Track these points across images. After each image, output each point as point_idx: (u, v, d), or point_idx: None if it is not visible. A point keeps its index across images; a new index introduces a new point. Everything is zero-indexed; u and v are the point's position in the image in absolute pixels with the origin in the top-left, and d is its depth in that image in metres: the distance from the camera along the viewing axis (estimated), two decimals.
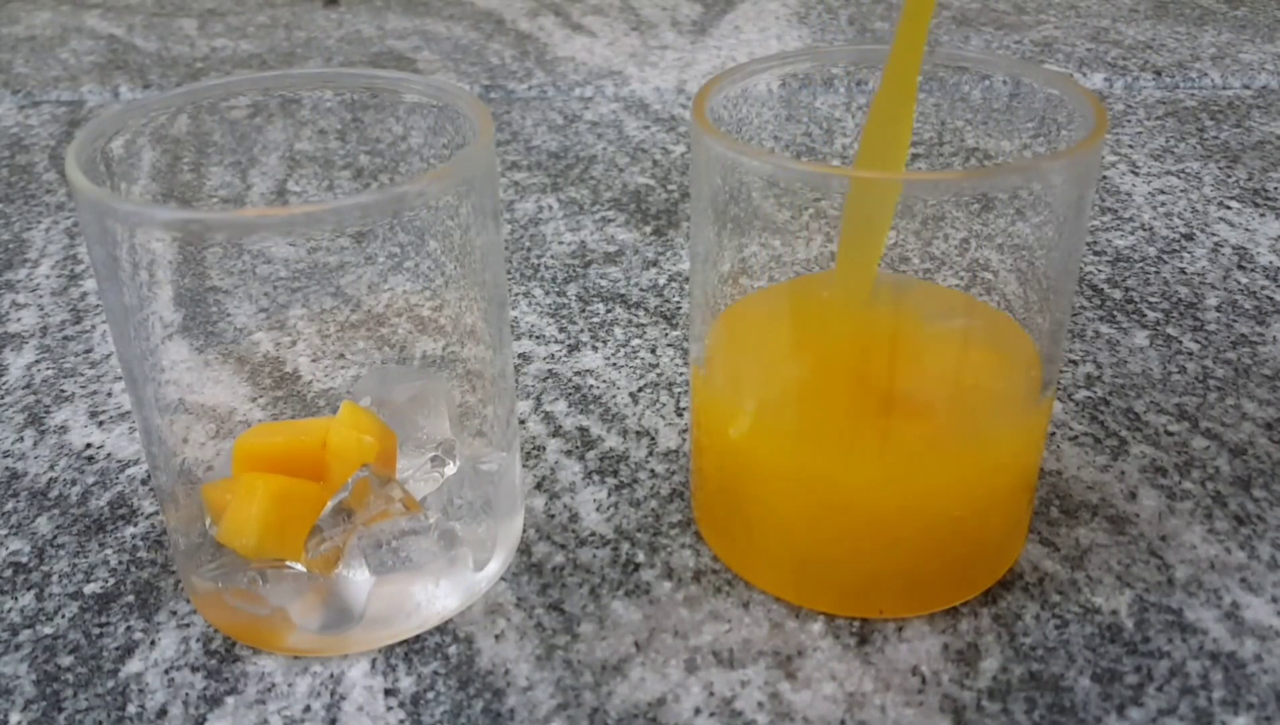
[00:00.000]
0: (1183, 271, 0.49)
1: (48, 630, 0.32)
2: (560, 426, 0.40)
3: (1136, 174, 0.59)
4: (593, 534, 0.35)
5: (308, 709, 0.29)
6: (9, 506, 0.37)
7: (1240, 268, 0.49)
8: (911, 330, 0.32)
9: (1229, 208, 0.55)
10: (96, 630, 0.32)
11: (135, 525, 0.36)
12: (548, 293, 0.48)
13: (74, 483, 0.38)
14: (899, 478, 0.30)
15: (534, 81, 0.73)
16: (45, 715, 0.29)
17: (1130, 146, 0.62)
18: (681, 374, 0.43)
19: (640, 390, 0.42)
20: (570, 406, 0.41)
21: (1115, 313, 0.46)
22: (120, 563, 0.34)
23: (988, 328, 0.33)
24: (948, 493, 0.30)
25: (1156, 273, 0.49)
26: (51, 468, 0.38)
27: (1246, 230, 0.53)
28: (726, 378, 0.32)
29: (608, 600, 0.32)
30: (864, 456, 0.30)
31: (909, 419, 0.30)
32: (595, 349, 0.44)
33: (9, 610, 0.33)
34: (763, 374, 0.32)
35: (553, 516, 0.36)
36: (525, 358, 0.44)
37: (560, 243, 0.53)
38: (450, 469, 0.33)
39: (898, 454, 0.30)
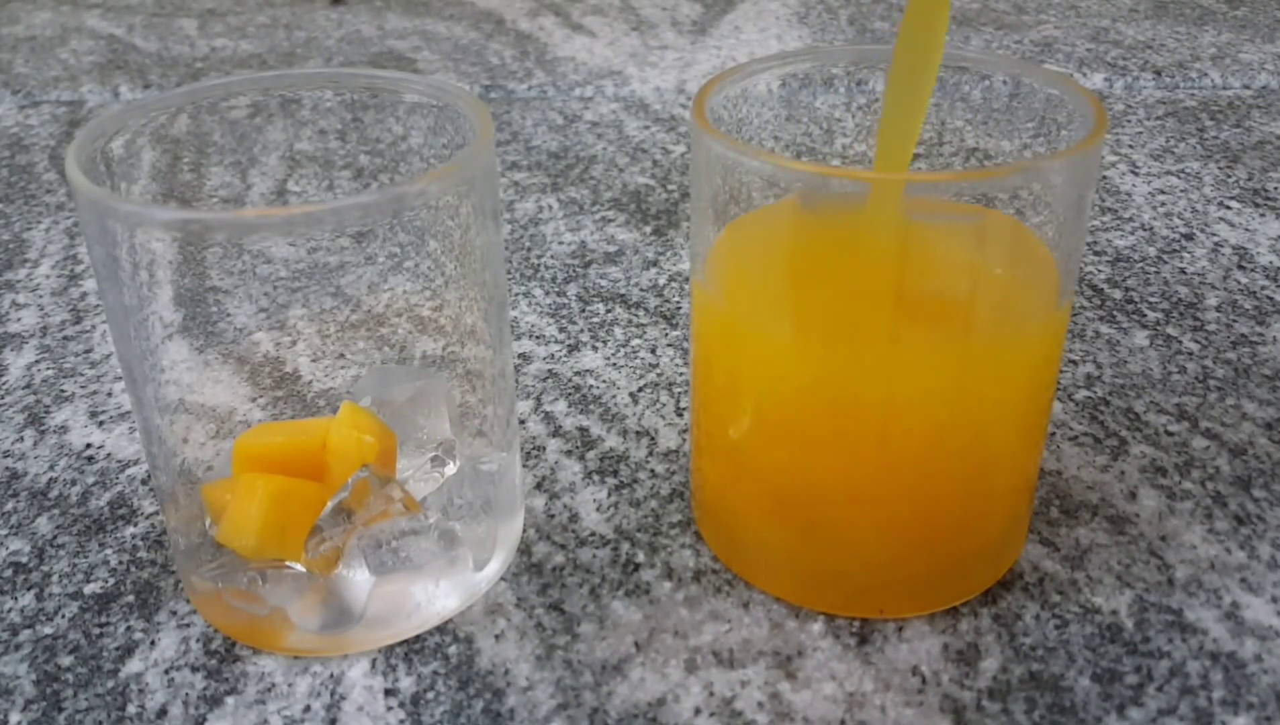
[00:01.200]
0: (1183, 271, 0.49)
1: (48, 630, 0.32)
2: (560, 426, 0.40)
3: (1136, 174, 0.59)
4: (593, 534, 0.35)
5: (308, 709, 0.29)
6: (9, 506, 0.37)
7: (1240, 268, 0.49)
8: (922, 232, 0.31)
9: (1229, 208, 0.55)
10: (96, 630, 0.32)
11: (135, 525, 0.36)
12: (548, 293, 0.48)
13: (74, 483, 0.38)
14: (909, 387, 0.28)
15: (534, 81, 0.73)
16: (45, 715, 0.29)
17: (1130, 146, 0.62)
18: (681, 374, 0.43)
19: (640, 390, 0.42)
20: (570, 406, 0.41)
21: (1115, 313, 0.46)
22: (120, 563, 0.34)
23: (1000, 233, 0.31)
24: (956, 419, 0.29)
25: (1156, 273, 0.49)
26: (51, 468, 0.38)
27: (1246, 230, 0.53)
28: (727, 289, 0.31)
29: (608, 600, 0.32)
30: (874, 363, 0.28)
31: (921, 320, 0.29)
32: (595, 349, 0.44)
33: (9, 610, 0.33)
34: (765, 282, 0.31)
35: (553, 516, 0.36)
36: (525, 358, 0.44)
37: (560, 243, 0.53)
38: (450, 469, 0.33)
39: (908, 356, 0.28)
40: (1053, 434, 0.39)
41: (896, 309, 0.29)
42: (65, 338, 0.46)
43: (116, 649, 0.31)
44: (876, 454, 0.29)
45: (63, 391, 0.42)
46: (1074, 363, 0.43)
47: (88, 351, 0.45)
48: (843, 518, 0.31)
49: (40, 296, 0.49)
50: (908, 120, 0.29)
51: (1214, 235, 0.52)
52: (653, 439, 0.39)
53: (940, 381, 0.29)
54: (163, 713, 0.29)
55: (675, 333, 0.45)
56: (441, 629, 0.31)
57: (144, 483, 0.37)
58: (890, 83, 0.29)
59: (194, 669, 0.30)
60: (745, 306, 0.30)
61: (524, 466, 0.38)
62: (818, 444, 0.30)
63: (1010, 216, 0.31)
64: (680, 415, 0.40)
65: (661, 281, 0.49)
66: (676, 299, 0.48)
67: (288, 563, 0.30)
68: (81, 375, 0.43)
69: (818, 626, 0.31)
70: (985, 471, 0.31)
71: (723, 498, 0.33)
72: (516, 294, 0.48)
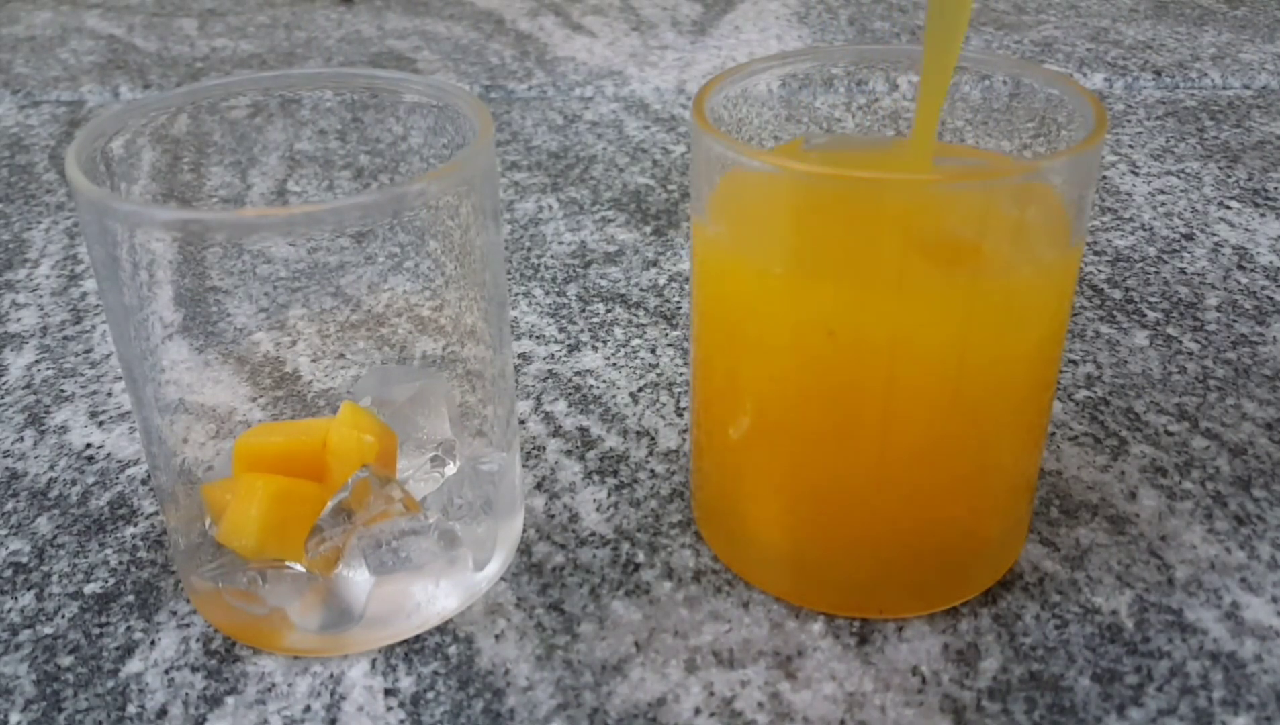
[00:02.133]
0: (1183, 271, 0.49)
1: (48, 630, 0.32)
2: (560, 426, 0.40)
3: (1136, 174, 0.59)
4: (593, 534, 0.35)
5: (308, 709, 0.29)
6: (9, 506, 0.37)
7: (1240, 268, 0.49)
8: (934, 171, 0.30)
9: (1229, 208, 0.55)
10: (96, 630, 0.32)
11: (135, 525, 0.36)
12: (548, 293, 0.48)
13: (74, 483, 0.38)
14: (916, 325, 0.28)
15: (534, 81, 0.73)
16: (45, 715, 0.29)
17: (1130, 146, 0.62)
18: (681, 374, 0.43)
19: (640, 390, 0.42)
20: (570, 406, 0.41)
21: (1115, 313, 0.46)
22: (120, 563, 0.34)
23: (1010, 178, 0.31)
24: (964, 369, 0.28)
25: (1156, 273, 0.49)
26: (51, 468, 0.38)
27: (1246, 230, 0.53)
28: (729, 226, 0.30)
29: (608, 600, 0.32)
30: (880, 298, 0.27)
31: (933, 260, 0.28)
32: (595, 349, 0.44)
33: (9, 610, 0.33)
34: (768, 219, 0.30)
35: (553, 516, 0.36)
36: (525, 358, 0.44)
37: (560, 243, 0.53)
38: (450, 469, 0.33)
39: (915, 291, 0.27)
40: (1053, 434, 0.39)
41: (905, 246, 0.28)
42: (65, 338, 0.46)
43: (116, 649, 0.31)
44: (881, 405, 0.28)
45: (63, 391, 0.42)
46: (1074, 363, 0.43)
47: (88, 351, 0.45)
48: (843, 515, 0.31)
49: (40, 296, 0.49)
50: (942, 72, 0.29)
51: (1214, 235, 0.52)
52: (653, 439, 0.39)
53: (948, 320, 0.28)
54: (163, 713, 0.29)
55: (675, 333, 0.45)
56: (441, 629, 0.31)
57: (144, 483, 0.37)
58: (926, 42, 0.29)
59: (194, 669, 0.30)
60: (749, 240, 0.29)
61: (524, 466, 0.38)
62: (820, 397, 0.29)
63: (1010, 158, 0.31)
64: (680, 415, 0.40)
65: (661, 281, 0.49)
66: (676, 299, 0.48)
67: (288, 563, 0.30)
68: (81, 375, 0.43)
69: (818, 626, 0.31)
70: (991, 440, 0.30)
71: (723, 497, 0.33)
72: (516, 294, 0.48)
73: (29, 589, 0.33)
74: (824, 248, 0.29)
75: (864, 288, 0.28)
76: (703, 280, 0.31)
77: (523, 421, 0.40)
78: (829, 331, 0.28)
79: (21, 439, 0.40)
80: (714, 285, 0.31)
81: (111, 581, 0.33)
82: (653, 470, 0.37)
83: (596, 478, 0.37)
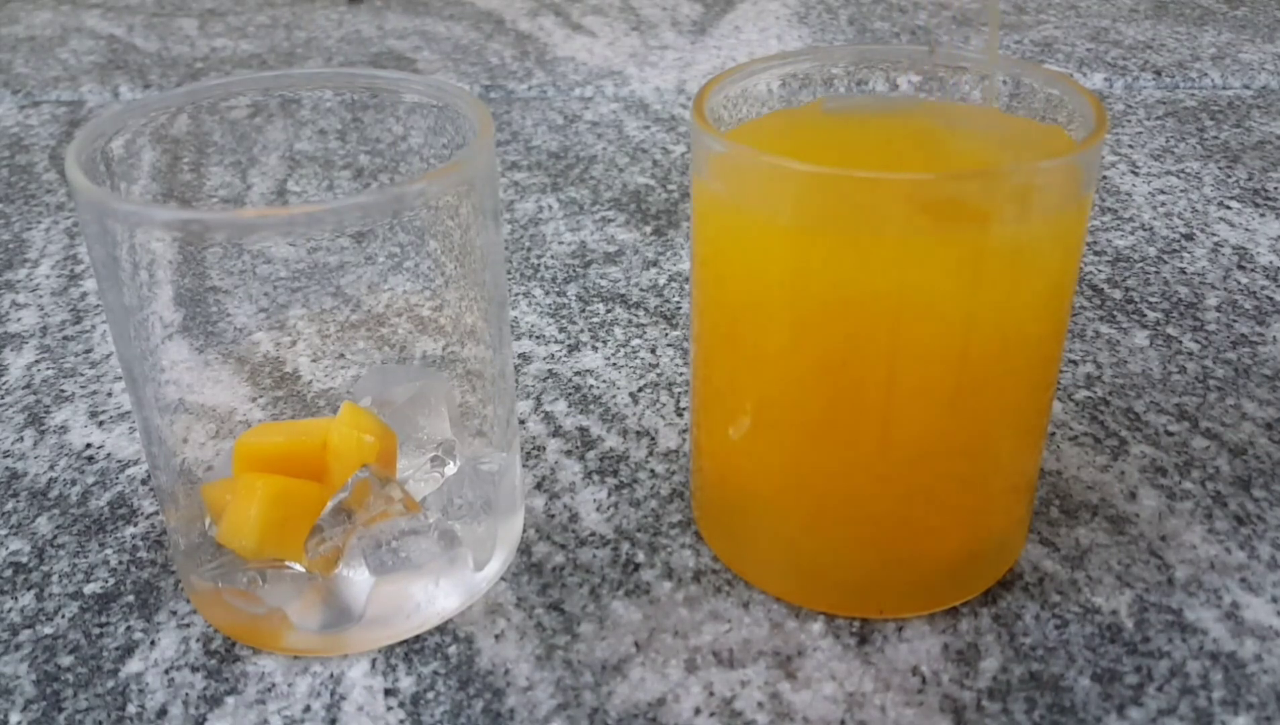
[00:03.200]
0: (1183, 271, 0.49)
1: (48, 630, 0.32)
2: (560, 426, 0.40)
3: (1136, 174, 0.59)
4: (593, 534, 0.35)
5: (308, 709, 0.29)
6: (9, 506, 0.37)
7: (1240, 268, 0.49)
8: (942, 134, 0.30)
9: (1229, 208, 0.55)
10: (96, 630, 0.32)
11: (135, 525, 0.36)
12: (548, 293, 0.48)
13: (74, 483, 0.38)
14: (922, 282, 0.27)
15: (534, 81, 0.73)
16: (45, 715, 0.29)
17: (1130, 146, 0.62)
18: (681, 374, 0.43)
19: (640, 390, 0.42)
20: (570, 406, 0.41)
21: (1115, 313, 0.46)
22: (120, 563, 0.34)
23: (1021, 134, 0.30)
24: (969, 334, 0.28)
25: (1156, 273, 0.49)
26: (51, 468, 0.38)
27: (1246, 230, 0.53)
28: (729, 186, 0.29)
29: (608, 600, 0.32)
30: (885, 254, 0.27)
31: (937, 213, 0.27)
32: (595, 349, 0.44)
33: (9, 610, 0.33)
34: (773, 172, 0.28)
35: (553, 516, 0.36)
36: (525, 358, 0.44)
37: (560, 243, 0.53)
38: (450, 469, 0.33)
39: (921, 246, 0.27)
40: (1053, 434, 0.39)
41: (911, 200, 0.27)
42: (65, 338, 0.46)
43: (116, 649, 0.31)
44: (884, 390, 0.28)
45: (63, 391, 0.42)
46: (1074, 363, 0.43)
47: (88, 351, 0.45)
48: (843, 514, 0.31)
49: (40, 296, 0.49)
50: None
51: (1214, 235, 0.52)
52: (653, 439, 0.39)
53: (955, 277, 0.27)
54: (163, 713, 0.29)
55: (675, 333, 0.45)
56: (441, 629, 0.31)
57: (144, 483, 0.37)
58: None
59: (194, 669, 0.30)
60: (753, 197, 0.29)
61: (524, 466, 0.38)
62: (822, 379, 0.29)
63: (1032, 121, 0.31)
64: (680, 415, 0.40)
65: (661, 281, 0.49)
66: (676, 299, 0.48)
67: (288, 563, 0.30)
68: (81, 375, 0.43)
69: (818, 626, 0.31)
70: (991, 438, 0.30)
71: (723, 497, 0.33)
72: (516, 294, 0.48)
73: (29, 589, 0.33)
74: (827, 214, 0.29)
75: (867, 245, 0.27)
76: (703, 237, 0.31)
77: (523, 421, 0.40)
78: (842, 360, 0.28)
79: (21, 439, 0.40)
80: (714, 240, 0.30)
81: (111, 581, 0.33)
82: (653, 470, 0.37)
83: (596, 478, 0.37)
